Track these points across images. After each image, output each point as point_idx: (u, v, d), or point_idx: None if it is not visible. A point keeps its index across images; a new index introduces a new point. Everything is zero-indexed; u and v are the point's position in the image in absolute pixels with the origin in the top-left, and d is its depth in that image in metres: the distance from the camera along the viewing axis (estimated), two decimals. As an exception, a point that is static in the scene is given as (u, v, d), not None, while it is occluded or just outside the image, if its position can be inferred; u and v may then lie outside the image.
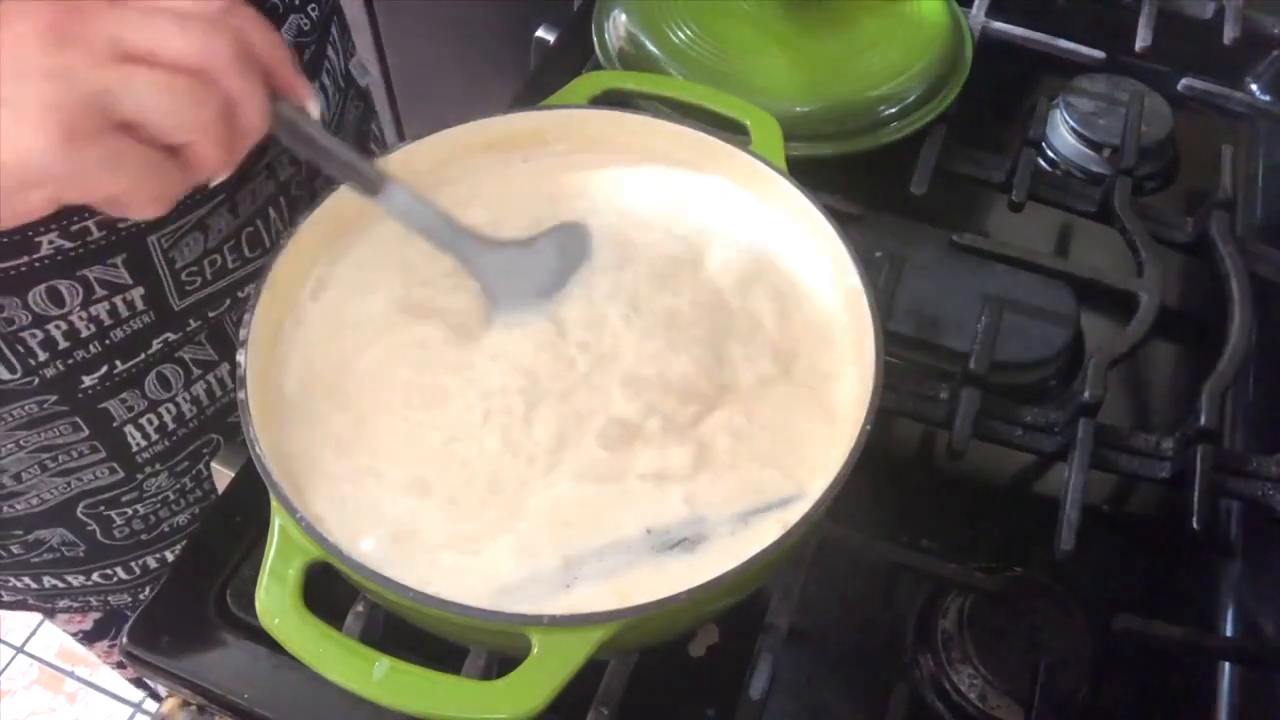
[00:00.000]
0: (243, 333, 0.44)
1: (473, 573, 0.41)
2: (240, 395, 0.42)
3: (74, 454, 0.60)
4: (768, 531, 0.42)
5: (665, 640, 0.49)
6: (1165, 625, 0.52)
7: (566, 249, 0.51)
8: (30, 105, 0.33)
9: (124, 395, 0.59)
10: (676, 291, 0.50)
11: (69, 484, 0.62)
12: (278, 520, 0.40)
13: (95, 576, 0.69)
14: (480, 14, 1.26)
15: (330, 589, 0.42)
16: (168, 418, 0.62)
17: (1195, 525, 0.54)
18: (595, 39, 0.73)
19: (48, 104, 0.34)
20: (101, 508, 0.64)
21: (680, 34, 0.71)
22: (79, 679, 1.53)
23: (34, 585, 0.69)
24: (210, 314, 0.60)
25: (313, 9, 0.61)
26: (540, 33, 0.80)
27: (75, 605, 0.72)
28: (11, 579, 0.69)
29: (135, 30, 0.36)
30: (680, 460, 0.45)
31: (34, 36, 0.34)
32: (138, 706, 1.51)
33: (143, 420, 0.61)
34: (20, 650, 1.57)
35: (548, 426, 0.45)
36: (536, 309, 0.49)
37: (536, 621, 0.37)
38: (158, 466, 0.64)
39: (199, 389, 0.63)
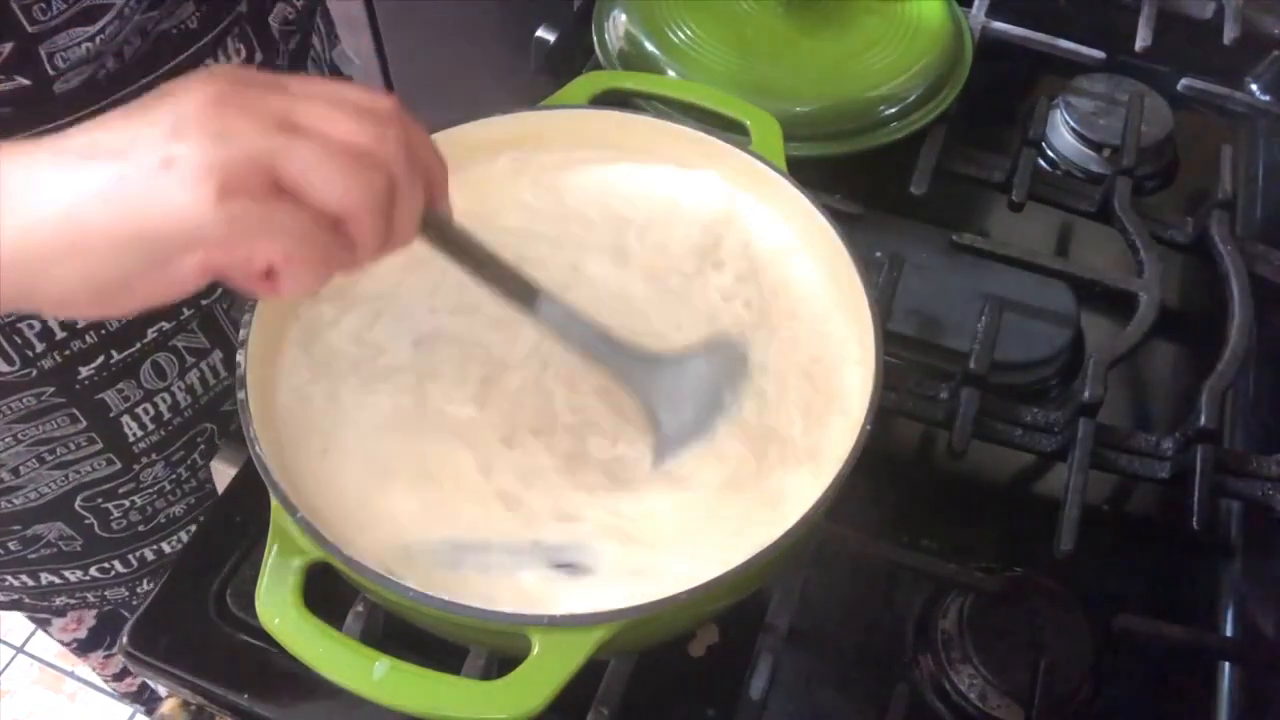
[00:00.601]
0: (242, 333, 0.44)
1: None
2: (240, 395, 0.42)
3: (72, 446, 0.60)
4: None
5: (665, 640, 0.49)
6: (1165, 625, 0.52)
7: (723, 366, 0.48)
8: (191, 162, 0.33)
9: (120, 385, 0.59)
10: (675, 291, 0.50)
11: (67, 476, 0.62)
12: (277, 520, 0.40)
13: (93, 570, 0.69)
14: (480, 14, 1.26)
15: (330, 589, 0.42)
16: (163, 407, 0.62)
17: (1195, 525, 0.54)
18: (595, 39, 0.73)
19: (209, 162, 0.33)
20: (99, 500, 0.64)
21: (680, 34, 0.71)
22: (79, 679, 1.53)
23: (31, 582, 0.69)
24: (202, 301, 0.60)
25: None
26: (540, 33, 0.80)
27: (72, 602, 0.73)
28: (8, 577, 0.69)
29: (307, 107, 0.35)
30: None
31: (206, 103, 0.34)
32: (138, 706, 1.51)
33: (139, 410, 0.61)
34: (20, 650, 1.56)
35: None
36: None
37: (536, 621, 0.37)
38: (154, 457, 0.64)
39: (193, 377, 0.63)
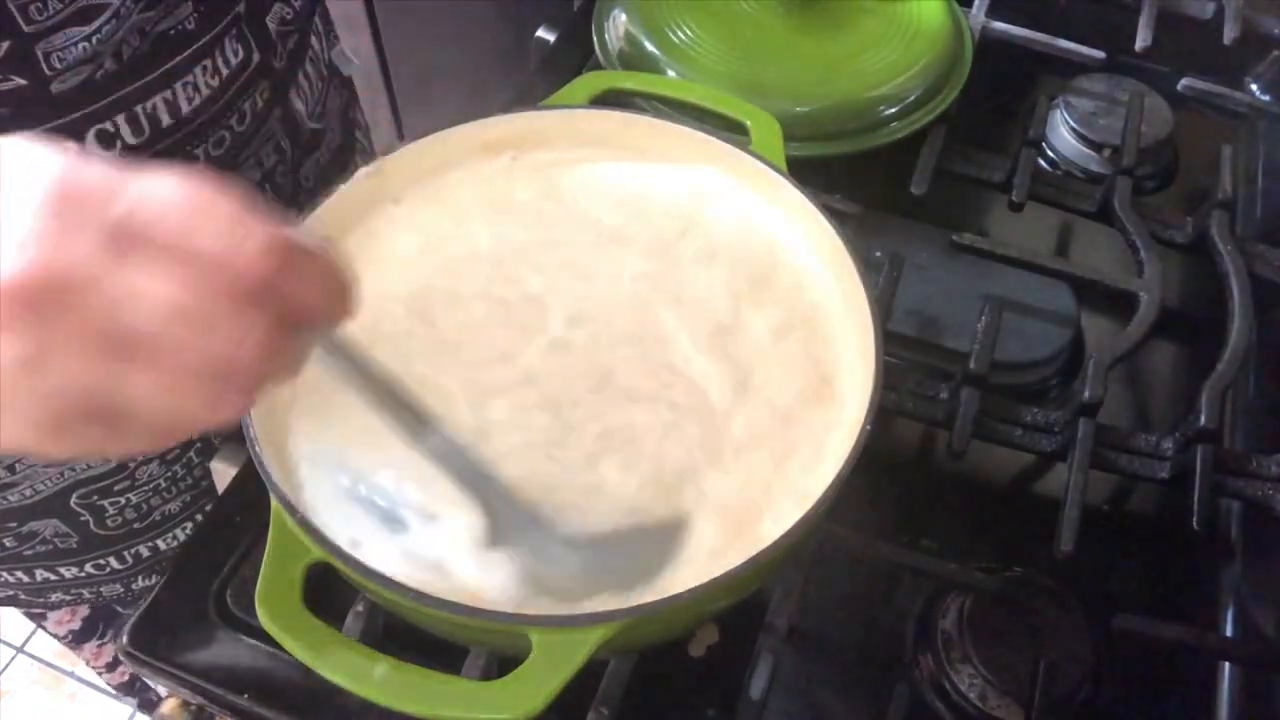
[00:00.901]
0: (243, 333, 0.44)
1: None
2: (240, 395, 0.42)
3: None
4: None
5: (665, 640, 0.49)
6: (1165, 625, 0.52)
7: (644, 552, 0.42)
8: (6, 404, 0.28)
9: None
10: (675, 291, 0.50)
11: (63, 474, 0.62)
12: (277, 520, 0.40)
13: (89, 567, 0.69)
14: (480, 14, 1.26)
15: (330, 589, 0.42)
16: None
17: (1195, 525, 0.54)
18: (595, 39, 0.73)
19: (28, 411, 0.28)
20: (95, 497, 0.64)
21: (680, 34, 0.71)
22: (79, 679, 1.53)
23: (26, 579, 0.69)
24: None
25: None
26: (540, 33, 0.80)
27: (67, 598, 0.73)
28: (4, 574, 0.69)
29: (138, 309, 0.28)
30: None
31: (10, 295, 0.27)
32: (138, 706, 1.51)
33: None
34: (20, 650, 1.56)
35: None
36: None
37: (536, 621, 0.37)
38: (150, 455, 0.64)
39: None
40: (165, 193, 0.29)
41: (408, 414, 0.38)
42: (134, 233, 0.28)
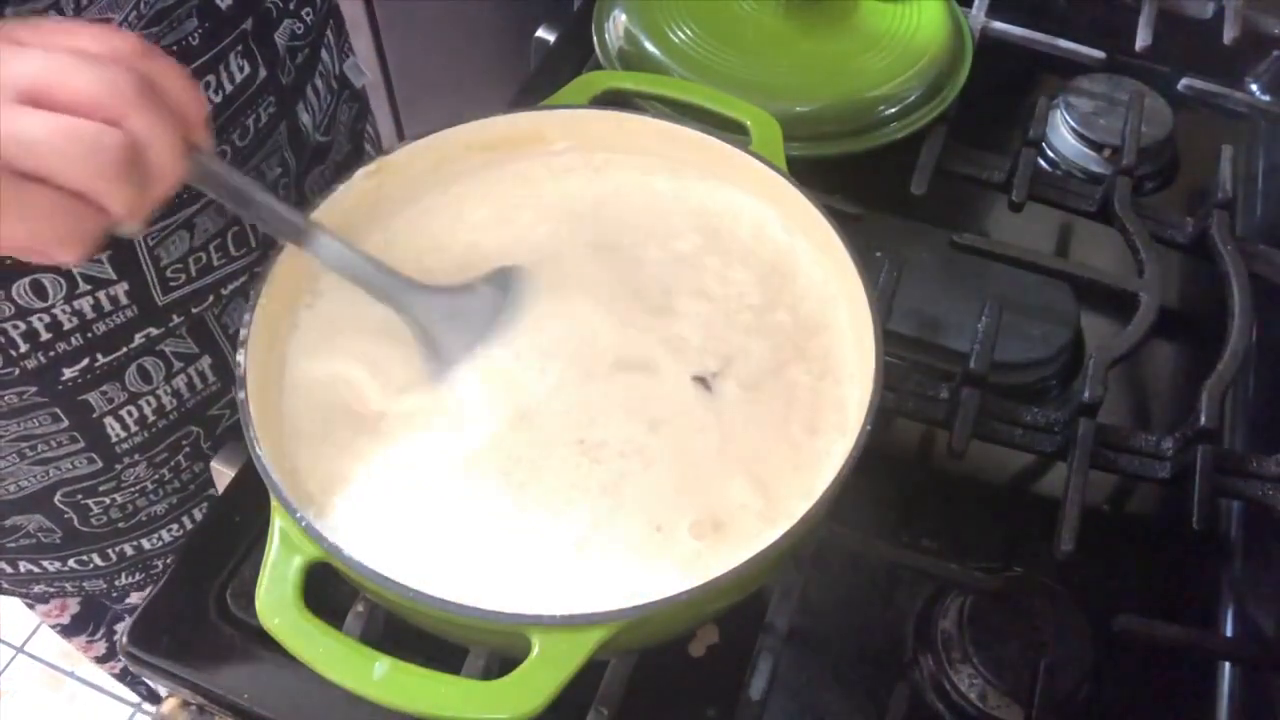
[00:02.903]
0: (242, 333, 0.44)
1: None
2: (240, 395, 0.42)
3: (53, 444, 0.60)
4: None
5: (665, 640, 0.49)
6: (1165, 625, 0.52)
7: (505, 290, 0.49)
8: None
9: (104, 387, 0.59)
10: (675, 291, 0.50)
11: (47, 473, 0.62)
12: (278, 520, 0.40)
13: (71, 562, 0.69)
14: (480, 14, 1.26)
15: (330, 589, 0.42)
16: (148, 410, 0.62)
17: (1195, 525, 0.54)
18: (595, 39, 0.73)
19: None
20: (79, 496, 0.64)
21: (680, 34, 0.71)
22: (79, 679, 1.53)
23: (9, 570, 0.69)
24: (193, 309, 0.60)
25: (307, 13, 0.61)
26: (540, 33, 0.80)
27: (51, 591, 0.73)
28: None
29: (29, 68, 0.34)
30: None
31: None
32: (138, 707, 1.51)
33: (123, 412, 0.61)
34: (20, 650, 1.56)
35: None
36: (482, 350, 0.47)
37: (536, 621, 0.37)
38: (137, 457, 0.64)
39: (179, 382, 0.63)
40: (44, 20, 0.36)
41: (288, 223, 0.43)
42: (18, 37, 0.35)
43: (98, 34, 0.36)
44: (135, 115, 0.35)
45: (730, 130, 0.55)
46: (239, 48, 0.55)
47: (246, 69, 0.56)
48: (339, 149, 0.69)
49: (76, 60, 0.35)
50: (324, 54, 0.65)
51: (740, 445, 0.46)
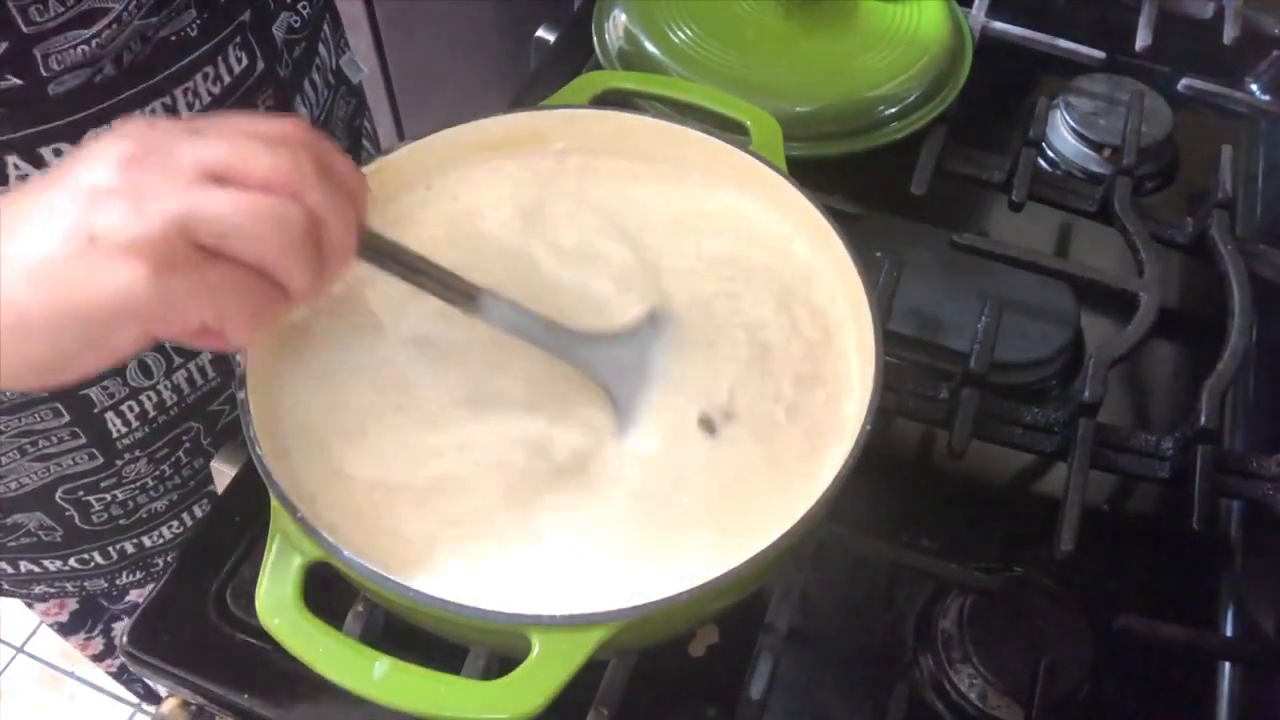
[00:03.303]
0: (243, 332, 0.44)
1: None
2: (240, 395, 0.42)
3: (54, 439, 0.60)
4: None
5: (665, 640, 0.49)
6: (1165, 625, 0.52)
7: (656, 333, 0.49)
8: (114, 239, 0.33)
9: (105, 382, 0.59)
10: (673, 290, 0.50)
11: (48, 469, 0.62)
12: (277, 520, 0.40)
13: (72, 561, 0.69)
14: (480, 14, 1.26)
15: (330, 589, 0.42)
16: (148, 405, 0.62)
17: (1195, 525, 0.54)
18: (595, 39, 0.73)
19: (131, 236, 0.33)
20: (80, 493, 0.64)
21: (680, 34, 0.71)
22: (79, 679, 1.53)
23: (10, 570, 0.69)
24: None
25: (303, 6, 0.61)
26: (540, 33, 0.80)
27: (51, 591, 0.73)
28: None
29: (215, 151, 0.35)
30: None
31: (118, 165, 0.34)
32: (138, 707, 1.51)
33: (123, 407, 0.61)
34: (20, 650, 1.56)
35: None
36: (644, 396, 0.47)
37: (536, 621, 0.37)
38: (137, 453, 0.64)
39: (180, 377, 0.63)
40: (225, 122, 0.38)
41: (460, 290, 0.44)
42: (199, 126, 0.37)
43: (271, 120, 0.38)
44: (314, 192, 0.36)
45: (730, 130, 0.55)
46: (237, 39, 0.55)
47: (245, 61, 0.56)
48: (337, 144, 0.69)
49: (255, 142, 0.36)
50: (321, 48, 0.65)
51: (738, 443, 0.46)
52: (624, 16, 0.72)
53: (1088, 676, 0.51)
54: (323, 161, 0.37)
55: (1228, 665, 0.55)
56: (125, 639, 0.51)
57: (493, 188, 0.54)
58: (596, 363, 0.47)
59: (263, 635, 0.39)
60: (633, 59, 0.71)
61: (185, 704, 0.52)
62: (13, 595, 0.75)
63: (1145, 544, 0.60)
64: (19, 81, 0.46)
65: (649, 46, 0.70)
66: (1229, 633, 0.57)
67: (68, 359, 0.36)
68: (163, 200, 0.34)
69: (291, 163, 0.36)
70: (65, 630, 0.86)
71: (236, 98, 0.56)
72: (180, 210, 0.34)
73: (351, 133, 0.73)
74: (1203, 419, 0.56)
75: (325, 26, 0.66)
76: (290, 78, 0.61)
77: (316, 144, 0.38)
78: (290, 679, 0.50)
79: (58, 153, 0.49)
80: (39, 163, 0.49)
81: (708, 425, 0.46)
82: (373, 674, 0.37)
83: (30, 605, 0.81)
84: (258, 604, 0.38)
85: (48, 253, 0.34)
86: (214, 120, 0.38)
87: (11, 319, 0.34)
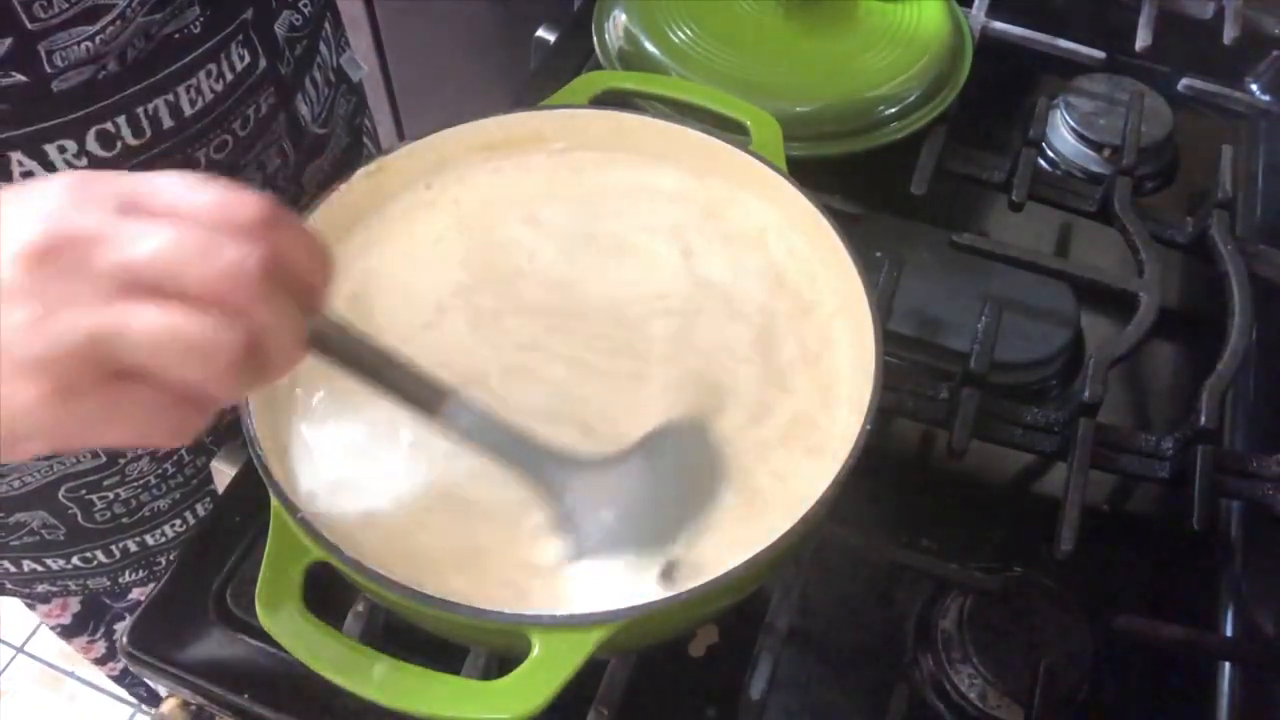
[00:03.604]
0: (243, 333, 0.44)
1: None
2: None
3: None
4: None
5: (665, 640, 0.49)
6: (1165, 625, 0.52)
7: (677, 464, 0.43)
8: (15, 358, 0.29)
9: None
10: (674, 290, 0.50)
11: (51, 467, 0.62)
12: (277, 520, 0.40)
13: (75, 560, 0.69)
14: (480, 14, 1.26)
15: (330, 589, 0.42)
16: None
17: (1195, 525, 0.54)
18: (595, 39, 0.73)
19: (35, 355, 0.29)
20: (83, 491, 0.64)
21: (680, 34, 0.71)
22: (79, 679, 1.53)
23: (13, 569, 0.69)
24: None
25: (305, 4, 0.61)
26: (540, 33, 0.80)
27: (54, 590, 0.73)
28: None
29: (145, 252, 0.30)
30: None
31: (22, 261, 0.29)
32: (138, 707, 1.51)
33: None
34: (20, 650, 1.56)
35: None
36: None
37: (536, 621, 0.37)
38: (140, 451, 0.64)
39: None
40: (164, 176, 0.32)
41: (420, 391, 0.39)
42: (136, 201, 0.31)
43: (225, 197, 0.32)
44: (258, 306, 0.31)
45: (730, 130, 0.55)
46: (239, 37, 0.55)
47: (247, 59, 0.56)
48: (337, 142, 0.69)
49: (195, 237, 0.31)
50: (322, 46, 0.65)
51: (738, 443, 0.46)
52: (624, 16, 0.72)
53: (1088, 676, 0.51)
54: (277, 255, 0.32)
55: (1228, 665, 0.55)
56: (125, 639, 0.51)
57: (493, 188, 0.54)
58: (564, 490, 0.42)
59: (263, 635, 0.39)
60: (633, 59, 0.71)
61: (185, 704, 0.52)
62: (15, 594, 0.75)
63: (1145, 544, 0.60)
64: (23, 78, 0.46)
65: (649, 46, 0.70)
66: (1229, 633, 0.57)
67: None
68: (74, 315, 0.29)
69: (233, 274, 0.31)
70: (68, 633, 0.86)
71: (239, 95, 0.56)
72: (93, 328, 0.29)
73: (352, 131, 0.73)
74: (1203, 419, 0.56)
75: (326, 24, 0.66)
76: (292, 76, 0.61)
77: (273, 228, 0.32)
78: (290, 679, 0.50)
79: (61, 150, 0.49)
80: (43, 159, 0.49)
81: (668, 576, 0.41)
82: (373, 674, 0.37)
83: (33, 607, 0.81)
84: (258, 604, 0.38)
85: None
86: (157, 187, 0.32)
87: None
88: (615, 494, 0.42)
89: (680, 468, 0.44)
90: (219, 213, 0.31)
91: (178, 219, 0.31)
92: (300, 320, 0.34)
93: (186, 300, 0.30)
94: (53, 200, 0.31)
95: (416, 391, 0.39)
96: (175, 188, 0.32)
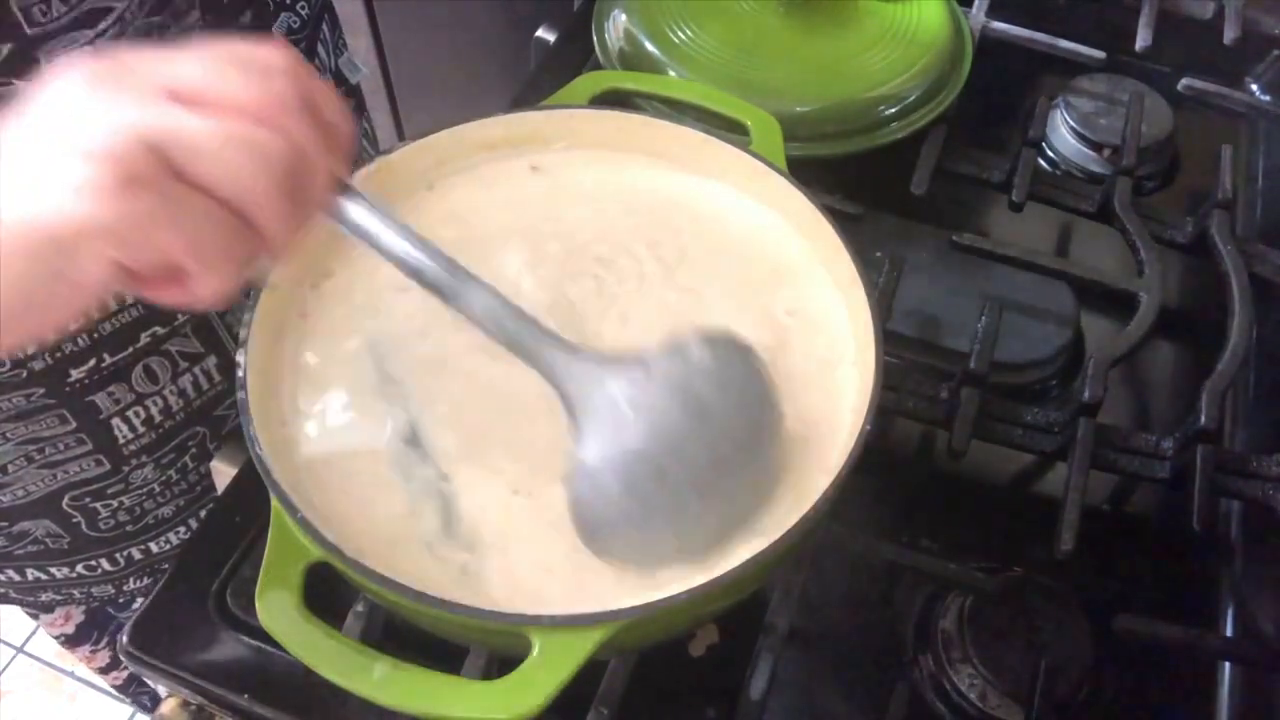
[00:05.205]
0: (242, 333, 0.44)
1: None
2: (240, 395, 0.42)
3: (61, 446, 0.60)
4: None
5: (665, 640, 0.49)
6: (1165, 625, 0.52)
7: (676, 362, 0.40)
8: (79, 150, 0.31)
9: (111, 388, 0.59)
10: (676, 291, 0.50)
11: (55, 476, 0.62)
12: (277, 520, 0.40)
13: (80, 568, 0.69)
14: (480, 14, 1.26)
15: (330, 589, 0.42)
16: (154, 410, 0.62)
17: (1195, 525, 0.54)
18: (595, 39, 0.73)
19: (97, 147, 0.30)
20: (87, 500, 0.64)
21: (680, 34, 0.71)
22: (79, 679, 1.53)
23: (18, 578, 0.69)
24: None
25: (302, 7, 0.61)
26: (540, 33, 0.80)
27: (59, 598, 0.73)
28: None
29: (185, 69, 0.32)
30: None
31: (81, 83, 0.32)
32: (134, 705, 1.51)
33: (130, 413, 0.61)
34: (20, 650, 1.56)
35: None
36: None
37: (536, 621, 0.37)
38: (144, 459, 0.64)
39: (185, 382, 0.63)
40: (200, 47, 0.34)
41: (439, 273, 0.38)
42: (175, 55, 0.33)
43: (251, 43, 0.34)
44: (295, 125, 0.33)
45: (730, 130, 0.55)
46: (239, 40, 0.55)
47: None
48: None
49: (234, 64, 0.33)
50: (320, 49, 0.65)
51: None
52: (624, 16, 0.72)
53: (1088, 676, 0.51)
54: (307, 94, 0.34)
55: (1228, 665, 0.55)
56: (125, 639, 0.51)
57: (493, 188, 0.54)
58: (568, 379, 0.40)
59: (263, 635, 0.39)
60: (633, 59, 0.71)
61: (185, 704, 0.52)
62: (19, 604, 0.75)
63: (1145, 544, 0.60)
64: (23, 84, 0.46)
65: (649, 46, 0.70)
66: (1229, 633, 0.57)
67: (37, 295, 0.32)
68: (131, 113, 0.31)
69: (270, 87, 0.33)
70: (71, 643, 0.86)
71: None
72: (150, 124, 0.31)
73: None
74: (1203, 419, 0.56)
75: (324, 27, 0.66)
76: None
77: (301, 74, 0.34)
78: (290, 679, 0.50)
79: None
80: None
81: None
82: (373, 674, 0.37)
83: (36, 617, 0.81)
84: (258, 604, 0.38)
85: (7, 170, 0.31)
86: (189, 46, 0.34)
87: None
88: (619, 393, 0.40)
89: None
90: (250, 53, 0.34)
91: (216, 58, 0.33)
92: (335, 152, 0.35)
93: (232, 114, 0.32)
94: (103, 52, 0.33)
95: (436, 274, 0.38)
96: (205, 42, 0.34)
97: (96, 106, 0.31)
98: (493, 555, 0.42)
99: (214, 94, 0.32)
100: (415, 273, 0.38)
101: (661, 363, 0.40)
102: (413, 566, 0.41)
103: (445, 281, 0.38)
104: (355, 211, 0.37)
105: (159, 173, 0.31)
